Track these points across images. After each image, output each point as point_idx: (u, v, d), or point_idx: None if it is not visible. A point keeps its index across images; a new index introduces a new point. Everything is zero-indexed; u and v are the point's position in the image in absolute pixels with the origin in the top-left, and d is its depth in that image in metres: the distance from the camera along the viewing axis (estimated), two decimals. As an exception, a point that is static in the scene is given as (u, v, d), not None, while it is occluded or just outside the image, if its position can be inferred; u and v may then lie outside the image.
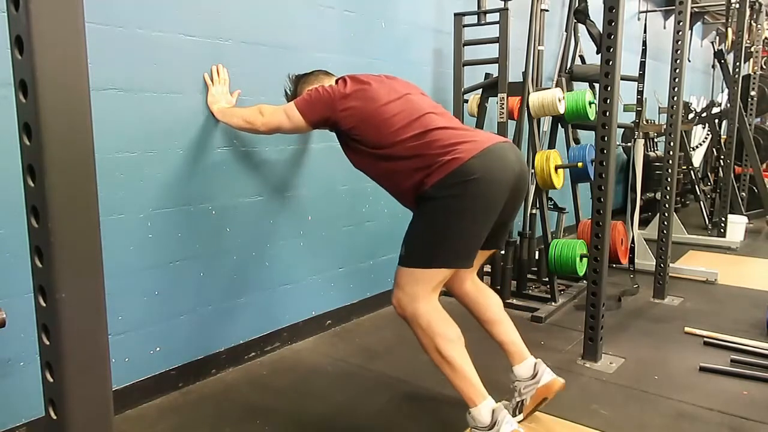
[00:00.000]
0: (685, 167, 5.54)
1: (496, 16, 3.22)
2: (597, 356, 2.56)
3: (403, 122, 1.90)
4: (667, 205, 3.49)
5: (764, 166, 5.99)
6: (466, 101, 3.50)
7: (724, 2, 5.46)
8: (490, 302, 2.12)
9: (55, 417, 0.74)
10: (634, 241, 3.69)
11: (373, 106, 1.95)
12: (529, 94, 3.34)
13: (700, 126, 5.92)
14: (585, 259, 3.21)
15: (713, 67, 5.93)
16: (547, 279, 3.45)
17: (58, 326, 0.71)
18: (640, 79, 3.73)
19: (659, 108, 5.16)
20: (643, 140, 4.36)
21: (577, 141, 3.90)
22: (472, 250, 1.86)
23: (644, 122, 4.14)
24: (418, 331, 1.84)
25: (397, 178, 1.92)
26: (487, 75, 3.51)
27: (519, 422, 1.95)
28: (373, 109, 1.94)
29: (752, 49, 5.62)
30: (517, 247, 3.44)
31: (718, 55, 5.46)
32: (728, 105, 5.25)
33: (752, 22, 5.54)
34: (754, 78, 5.60)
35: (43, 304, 0.72)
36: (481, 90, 3.46)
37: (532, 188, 3.43)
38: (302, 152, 2.70)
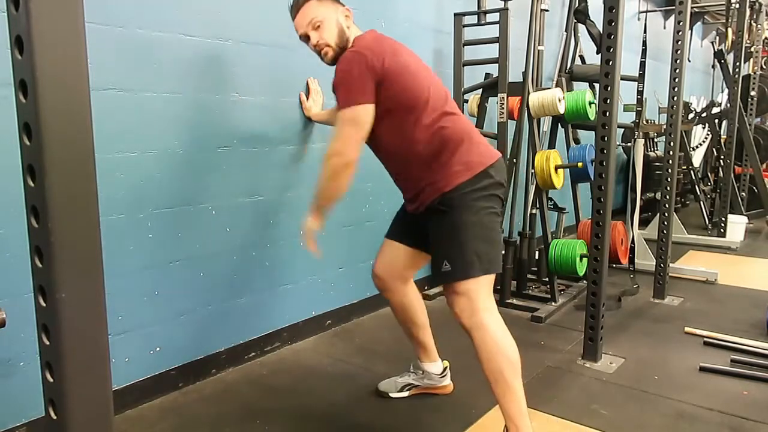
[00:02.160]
0: (685, 167, 5.54)
1: (496, 16, 3.22)
2: (597, 356, 2.56)
3: (435, 93, 1.85)
4: (667, 205, 3.49)
5: (764, 166, 5.99)
6: (466, 101, 3.50)
7: (724, 2, 5.46)
8: (423, 306, 2.23)
9: (55, 417, 0.74)
10: (634, 241, 3.69)
11: (406, 59, 1.85)
12: (529, 94, 3.34)
13: (700, 126, 5.92)
14: (585, 259, 3.21)
15: (713, 67, 5.94)
16: (547, 279, 3.45)
17: (58, 326, 0.71)
18: (640, 79, 3.73)
19: (659, 108, 5.16)
20: (643, 140, 4.36)
21: (577, 141, 3.90)
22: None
23: (644, 122, 4.14)
24: (487, 344, 1.75)
25: (419, 147, 1.82)
26: (487, 75, 3.51)
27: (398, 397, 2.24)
28: (406, 63, 1.84)
29: (752, 49, 5.62)
30: (517, 247, 3.44)
31: (718, 55, 5.46)
32: (728, 105, 5.25)
33: (752, 22, 5.54)
34: (754, 78, 5.60)
35: (43, 304, 0.72)
36: (481, 90, 3.46)
37: (532, 188, 3.43)
38: (302, 152, 2.70)
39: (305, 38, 1.96)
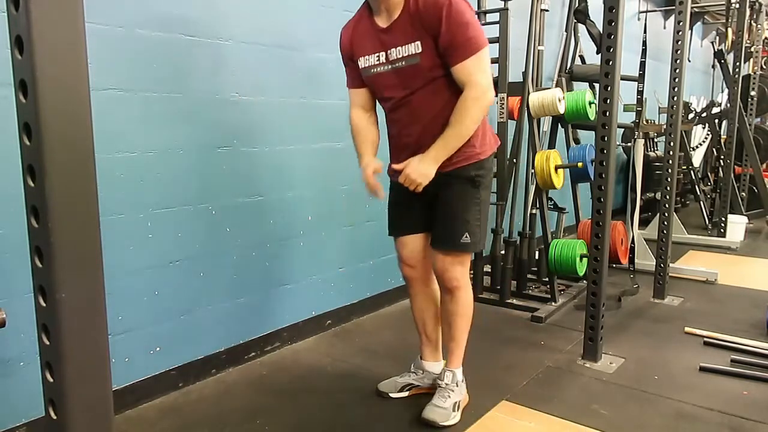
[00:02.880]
0: (685, 167, 5.54)
1: (496, 16, 3.22)
2: (597, 356, 2.56)
3: None
4: (667, 205, 3.49)
5: (764, 166, 5.99)
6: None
7: (724, 2, 5.46)
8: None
9: (55, 417, 0.74)
10: (634, 241, 3.69)
11: None
12: (529, 94, 3.34)
13: (700, 126, 5.92)
14: (585, 259, 3.20)
15: (713, 67, 5.94)
16: (547, 279, 3.45)
17: (58, 326, 0.71)
18: (640, 79, 3.73)
19: (659, 108, 5.16)
20: (643, 140, 4.36)
21: (577, 141, 3.90)
22: None
23: (644, 122, 4.14)
24: (468, 299, 2.08)
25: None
26: (487, 75, 3.50)
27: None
28: None
29: (752, 49, 5.62)
30: (517, 247, 3.44)
31: (718, 55, 5.46)
32: (728, 105, 5.24)
33: (752, 22, 5.54)
34: (754, 78, 5.60)
35: (43, 304, 0.72)
36: (481, 90, 3.45)
37: (532, 188, 3.43)
38: (302, 152, 2.70)
39: None
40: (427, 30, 1.78)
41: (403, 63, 1.85)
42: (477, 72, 1.80)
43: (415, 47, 1.82)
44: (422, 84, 1.86)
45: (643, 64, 3.73)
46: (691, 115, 5.31)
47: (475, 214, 1.97)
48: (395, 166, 1.95)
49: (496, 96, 3.22)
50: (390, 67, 1.88)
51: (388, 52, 1.87)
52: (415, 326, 2.27)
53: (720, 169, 5.39)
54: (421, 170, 1.86)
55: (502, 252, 3.41)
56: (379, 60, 1.90)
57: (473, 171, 1.94)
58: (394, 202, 2.14)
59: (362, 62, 1.95)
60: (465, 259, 2.06)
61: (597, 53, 3.09)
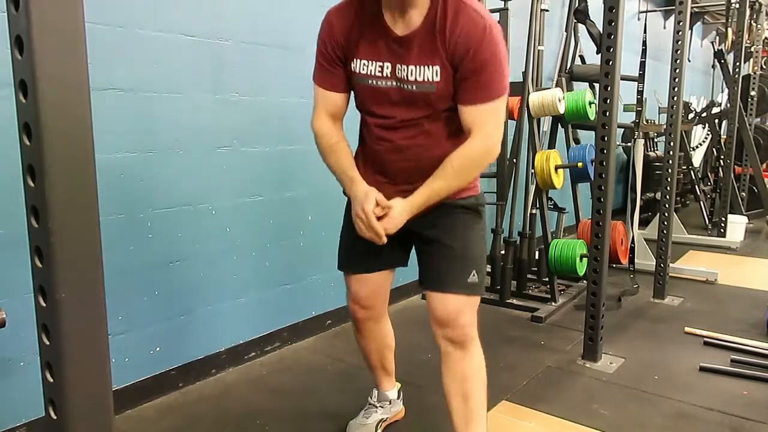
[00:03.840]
0: (685, 167, 5.54)
1: (496, 16, 3.21)
2: (597, 356, 2.56)
3: None
4: (667, 205, 3.49)
5: (764, 166, 5.99)
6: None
7: (724, 2, 5.46)
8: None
9: (55, 417, 0.74)
10: (634, 241, 3.69)
11: None
12: (529, 94, 3.34)
13: (700, 126, 5.92)
14: (585, 259, 3.20)
15: (713, 67, 5.94)
16: (547, 279, 3.45)
17: (58, 326, 0.71)
18: (640, 79, 3.73)
19: (659, 108, 5.16)
20: (643, 140, 4.36)
21: (577, 141, 3.90)
22: None
23: (644, 122, 4.14)
24: (480, 356, 1.67)
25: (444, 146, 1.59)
26: (487, 75, 3.50)
27: None
28: None
29: (752, 49, 5.62)
30: (517, 247, 3.44)
31: (718, 55, 5.46)
32: (728, 105, 5.24)
33: (752, 22, 5.54)
34: (754, 78, 5.60)
35: (43, 304, 0.72)
36: (481, 90, 3.45)
37: (532, 188, 3.43)
38: (302, 152, 2.70)
39: None
40: (452, 55, 1.46)
41: (413, 87, 1.52)
42: (492, 121, 1.51)
43: (432, 73, 1.49)
44: (427, 114, 1.55)
45: (643, 64, 3.73)
46: (691, 115, 5.32)
47: (481, 248, 1.67)
48: (378, 208, 1.54)
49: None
50: (395, 84, 1.54)
51: (397, 67, 1.52)
52: (369, 366, 2.02)
53: (720, 169, 5.39)
54: (398, 221, 1.53)
55: (502, 252, 3.41)
56: (382, 72, 1.54)
57: (475, 201, 1.67)
58: (354, 229, 1.66)
59: (357, 66, 1.56)
60: (476, 303, 1.65)
61: (597, 53, 3.09)
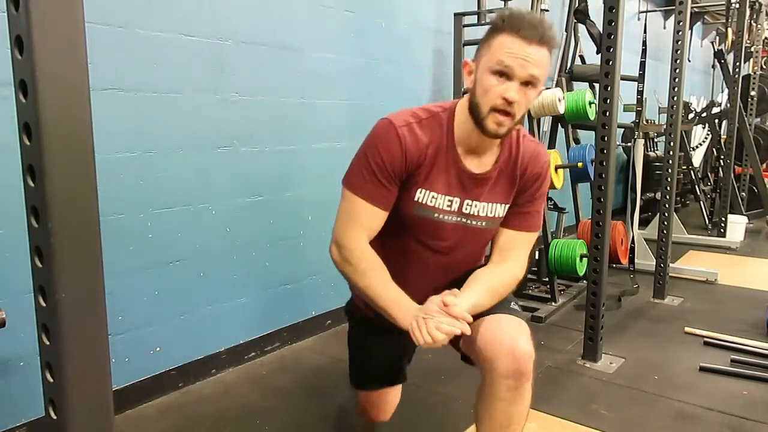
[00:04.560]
0: (685, 167, 5.54)
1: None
2: (597, 356, 2.56)
3: None
4: (667, 205, 3.49)
5: (764, 166, 5.99)
6: (466, 101, 3.50)
7: (724, 2, 5.46)
8: None
9: (55, 417, 0.74)
10: (634, 241, 3.69)
11: None
12: (529, 94, 3.33)
13: (700, 126, 5.92)
14: (585, 259, 3.21)
15: (713, 67, 5.94)
16: (547, 279, 3.45)
17: (58, 326, 0.71)
18: (640, 79, 3.73)
19: (659, 108, 5.16)
20: (643, 140, 4.36)
21: (577, 141, 3.90)
22: None
23: (644, 122, 4.14)
24: (530, 394, 1.43)
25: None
26: (487, 75, 3.50)
27: None
28: None
29: (752, 49, 5.62)
30: (517, 247, 3.43)
31: (718, 55, 5.46)
32: (728, 105, 5.24)
33: (752, 22, 5.54)
34: (754, 78, 5.60)
35: (43, 304, 0.72)
36: (481, 90, 3.45)
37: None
38: (302, 152, 2.70)
39: (504, 78, 1.32)
40: (520, 191, 1.50)
41: (482, 224, 1.49)
42: (525, 249, 1.53)
43: (502, 210, 1.50)
44: (476, 242, 1.55)
45: (643, 64, 3.73)
46: (691, 115, 5.31)
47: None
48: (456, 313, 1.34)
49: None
50: (459, 219, 1.48)
51: (466, 203, 1.47)
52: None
53: (720, 169, 5.39)
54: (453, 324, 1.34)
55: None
56: (450, 207, 1.46)
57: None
58: (374, 344, 1.64)
59: (424, 197, 1.44)
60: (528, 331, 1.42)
61: (597, 53, 3.09)
